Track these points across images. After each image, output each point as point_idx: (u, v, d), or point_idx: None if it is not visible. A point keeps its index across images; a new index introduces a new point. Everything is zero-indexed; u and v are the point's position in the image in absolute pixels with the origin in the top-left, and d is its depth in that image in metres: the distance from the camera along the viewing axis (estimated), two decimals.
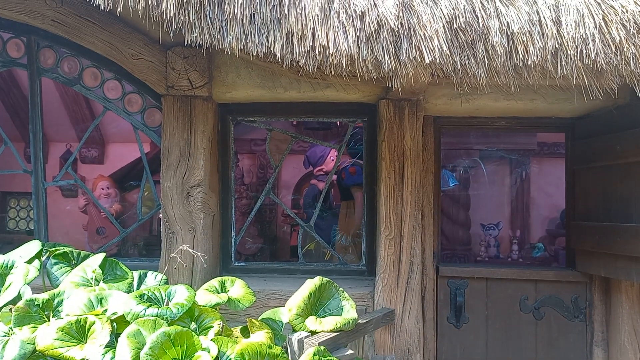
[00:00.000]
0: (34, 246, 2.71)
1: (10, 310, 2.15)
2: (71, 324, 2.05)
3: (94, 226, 5.90)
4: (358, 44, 2.19)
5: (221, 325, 2.16)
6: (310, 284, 2.63)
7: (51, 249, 2.76)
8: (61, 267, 2.64)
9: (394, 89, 2.49)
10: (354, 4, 2.17)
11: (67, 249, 2.74)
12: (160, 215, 3.47)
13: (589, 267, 3.37)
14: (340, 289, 2.74)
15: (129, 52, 3.36)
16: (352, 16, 2.18)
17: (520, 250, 5.60)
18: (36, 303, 2.19)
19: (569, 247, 3.62)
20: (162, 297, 2.23)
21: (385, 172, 3.28)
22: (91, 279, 2.42)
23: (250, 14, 2.24)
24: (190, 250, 2.75)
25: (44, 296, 2.22)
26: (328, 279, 2.71)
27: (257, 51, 2.26)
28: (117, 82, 3.58)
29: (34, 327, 2.10)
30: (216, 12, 2.25)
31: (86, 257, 2.77)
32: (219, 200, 3.60)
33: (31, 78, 3.62)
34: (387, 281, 3.28)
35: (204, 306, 2.27)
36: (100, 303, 2.23)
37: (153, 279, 2.65)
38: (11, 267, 2.39)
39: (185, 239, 3.36)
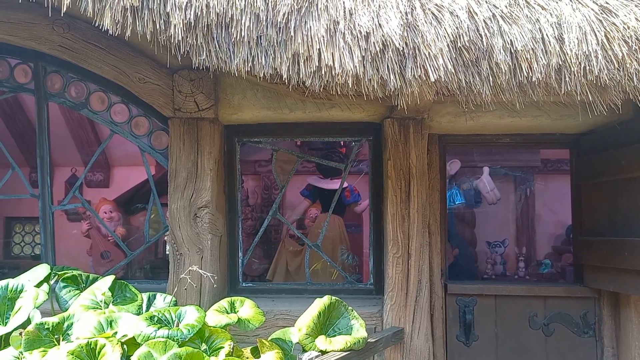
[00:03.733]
0: (42, 270, 2.72)
1: (20, 334, 2.15)
2: (81, 347, 2.05)
3: (98, 250, 5.90)
4: (364, 64, 2.22)
5: (232, 346, 2.16)
6: (320, 304, 2.63)
7: (60, 273, 2.76)
8: (70, 291, 2.64)
9: (399, 107, 2.52)
10: (359, 25, 2.21)
11: (75, 272, 2.75)
12: (166, 237, 3.48)
13: (598, 282, 3.36)
14: (350, 307, 2.73)
15: (136, 76, 3.40)
16: (358, 37, 2.22)
17: (526, 267, 5.56)
18: (46, 327, 2.19)
19: (576, 262, 3.61)
20: (172, 319, 2.22)
21: (392, 191, 3.29)
22: (101, 301, 2.42)
23: (257, 37, 2.27)
24: (200, 270, 2.75)
25: (53, 319, 2.22)
26: (337, 298, 2.71)
27: (264, 72, 2.30)
28: (124, 106, 3.62)
29: (44, 351, 2.10)
30: (223, 35, 2.29)
31: (95, 280, 2.77)
32: (226, 221, 3.61)
33: (38, 103, 3.67)
34: (396, 300, 3.27)
35: (214, 327, 2.27)
36: (110, 325, 2.23)
37: (162, 301, 2.65)
38: (20, 291, 2.39)
39: (193, 260, 3.36)
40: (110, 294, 2.44)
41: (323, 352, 2.42)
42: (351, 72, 2.21)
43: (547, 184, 7.09)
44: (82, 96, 3.64)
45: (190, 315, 2.23)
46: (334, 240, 4.79)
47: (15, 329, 2.23)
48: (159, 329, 2.11)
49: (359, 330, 2.63)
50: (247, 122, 3.52)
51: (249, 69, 2.31)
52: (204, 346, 2.17)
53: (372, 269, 3.62)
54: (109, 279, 2.51)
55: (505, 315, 3.47)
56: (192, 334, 2.10)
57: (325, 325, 2.61)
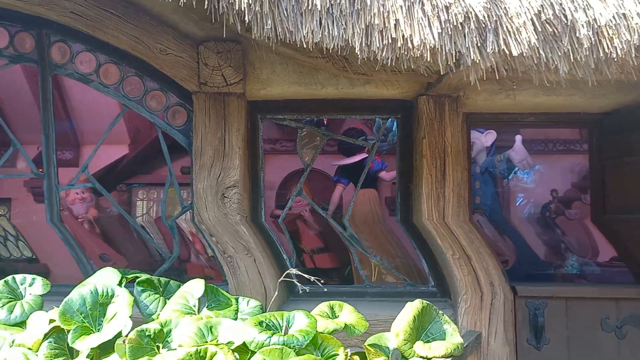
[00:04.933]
0: (111, 273, 2.52)
1: (124, 342, 1.99)
2: (190, 355, 1.90)
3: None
4: (442, 36, 2.12)
5: (349, 354, 2.06)
6: (413, 308, 2.49)
7: (128, 276, 2.59)
8: (149, 295, 2.47)
9: (472, 81, 2.39)
10: None
11: (147, 276, 2.59)
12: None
13: None
14: (440, 312, 2.60)
15: (157, 47, 3.18)
16: (438, 7, 2.11)
17: None
18: (147, 334, 2.02)
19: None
20: (279, 324, 2.10)
21: (427, 170, 3.23)
22: (194, 306, 2.28)
23: (329, 6, 2.13)
24: (305, 275, 2.59)
25: (155, 326, 2.06)
26: (428, 302, 2.58)
27: (334, 44, 2.16)
28: (139, 79, 3.39)
29: (149, 359, 1.95)
30: (293, 4, 2.13)
31: (167, 283, 2.61)
32: (249, 202, 3.46)
33: (42, 75, 3.39)
34: (470, 303, 3.21)
35: (321, 333, 2.16)
36: (211, 332, 2.09)
37: (246, 305, 2.52)
38: (112, 296, 2.22)
39: (247, 263, 3.23)
40: (204, 298, 2.31)
41: (427, 359, 2.33)
42: (429, 44, 2.11)
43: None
44: (92, 68, 3.37)
45: (299, 320, 2.10)
46: (367, 217, 4.66)
47: (116, 336, 2.06)
48: (272, 335, 1.99)
49: (453, 336, 2.51)
50: (275, 98, 3.36)
51: (317, 40, 2.17)
52: (316, 354, 2.06)
53: (428, 270, 3.52)
54: (201, 283, 2.36)
55: (577, 318, 3.39)
56: (307, 341, 1.98)
57: (419, 330, 2.50)
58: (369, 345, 2.30)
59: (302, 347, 2.03)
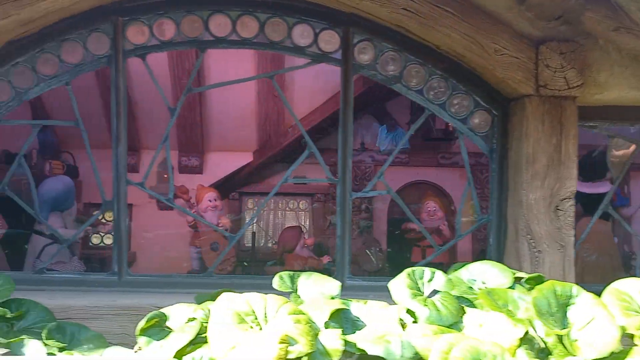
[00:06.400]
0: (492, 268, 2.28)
1: None
2: None
3: (207, 241, 5.47)
4: None
5: None
6: None
7: None
8: None
9: None
10: None
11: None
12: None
13: None
14: None
15: (492, 47, 2.96)
16: None
17: None
18: None
19: None
20: None
21: None
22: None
23: None
24: None
25: None
26: None
27: None
28: (444, 81, 3.18)
29: None
30: None
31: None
32: None
33: (345, 76, 3.19)
34: None
35: None
36: None
37: None
38: (570, 297, 1.96)
39: (554, 258, 2.98)
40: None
41: None
42: None
43: None
44: (397, 69, 3.18)
45: None
46: (601, 251, 4.38)
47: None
48: None
49: None
50: (606, 104, 3.13)
51: None
52: None
53: None
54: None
55: None
56: None
57: None
58: None
59: None
